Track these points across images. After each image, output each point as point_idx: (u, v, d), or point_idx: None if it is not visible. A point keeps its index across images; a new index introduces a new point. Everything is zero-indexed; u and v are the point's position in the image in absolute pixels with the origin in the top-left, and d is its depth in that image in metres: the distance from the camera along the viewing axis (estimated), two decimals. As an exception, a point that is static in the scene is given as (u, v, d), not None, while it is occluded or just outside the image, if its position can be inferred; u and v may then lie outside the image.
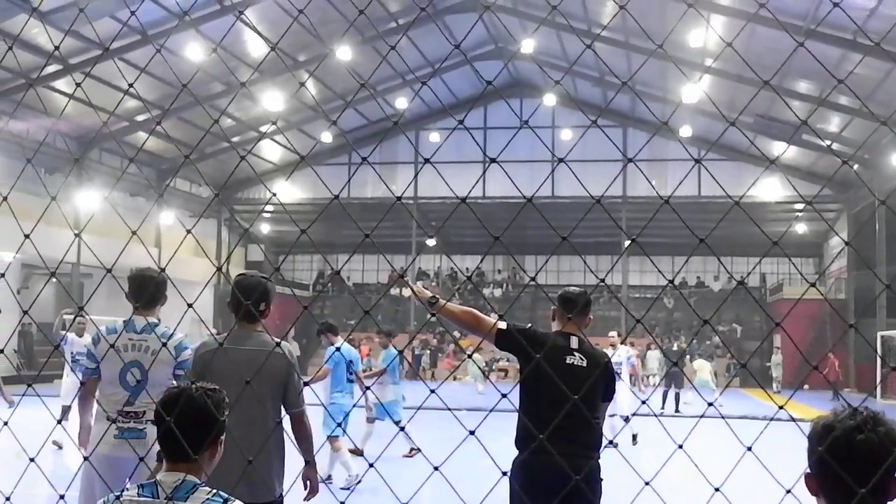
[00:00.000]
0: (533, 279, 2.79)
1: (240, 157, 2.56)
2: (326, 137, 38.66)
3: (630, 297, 41.41)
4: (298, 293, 45.24)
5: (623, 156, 38.71)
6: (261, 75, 31.08)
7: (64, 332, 13.63)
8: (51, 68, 27.28)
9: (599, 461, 4.71)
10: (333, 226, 41.65)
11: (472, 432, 2.50)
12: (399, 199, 2.92)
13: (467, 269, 49.19)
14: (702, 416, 3.23)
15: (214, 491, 2.62)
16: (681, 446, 2.40)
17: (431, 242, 45.30)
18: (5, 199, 2.84)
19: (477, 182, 21.97)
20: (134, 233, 2.85)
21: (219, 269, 32.49)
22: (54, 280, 35.36)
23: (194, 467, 2.64)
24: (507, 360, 36.10)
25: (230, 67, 28.81)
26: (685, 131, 34.51)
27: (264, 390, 4.41)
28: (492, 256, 47.76)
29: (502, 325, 4.82)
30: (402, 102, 37.33)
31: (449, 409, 3.15)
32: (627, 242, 38.13)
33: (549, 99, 36.27)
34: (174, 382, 5.01)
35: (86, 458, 4.55)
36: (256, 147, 38.77)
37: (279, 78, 31.39)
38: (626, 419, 14.52)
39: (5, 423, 2.30)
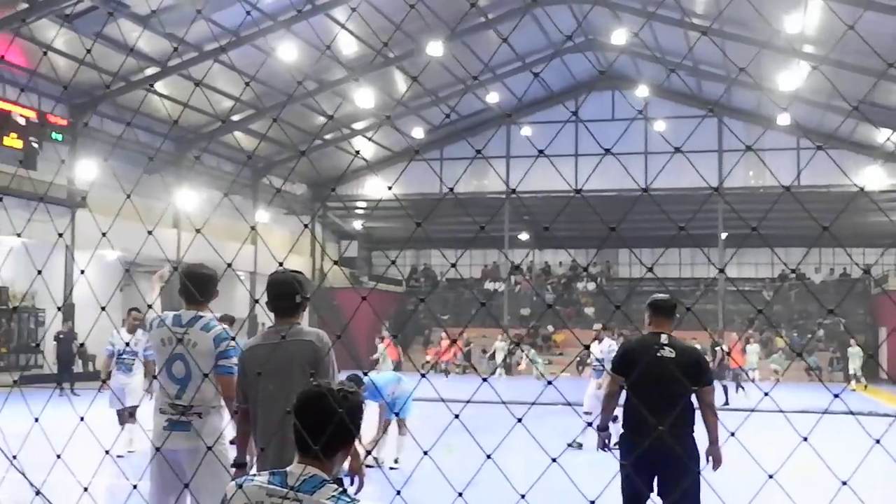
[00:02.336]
0: (588, 274, 2.70)
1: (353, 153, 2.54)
2: (418, 133, 38.81)
3: (727, 290, 40.59)
4: (391, 289, 45.54)
5: (717, 146, 38.06)
6: (352, 72, 31.36)
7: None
8: (149, 71, 27.94)
9: (693, 436, 5.71)
10: (426, 221, 41.77)
11: (519, 420, 2.45)
12: (514, 191, 2.86)
13: (560, 263, 48.91)
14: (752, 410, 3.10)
15: (342, 489, 2.66)
16: (732, 432, 2.29)
17: (524, 236, 45.15)
18: (128, 197, 2.86)
19: (593, 176, 21.81)
20: (199, 231, 2.83)
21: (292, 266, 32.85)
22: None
23: (324, 464, 2.68)
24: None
25: (322, 66, 29.15)
26: (783, 119, 33.68)
27: (296, 379, 4.45)
28: (585, 250, 47.37)
29: (613, 378, 6.11)
30: (492, 97, 37.23)
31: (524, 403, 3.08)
32: (724, 234, 37.40)
33: (642, 90, 35.79)
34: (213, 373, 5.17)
35: (157, 450, 4.68)
36: (349, 144, 39.13)
37: (370, 75, 31.61)
38: (615, 419, 13.04)
39: (81, 419, 2.31)
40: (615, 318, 41.30)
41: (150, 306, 3.29)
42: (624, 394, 5.97)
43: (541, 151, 2.56)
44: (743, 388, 22.67)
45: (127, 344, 12.03)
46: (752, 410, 2.86)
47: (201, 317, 5.33)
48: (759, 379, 29.03)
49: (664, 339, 5.98)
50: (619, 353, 6.27)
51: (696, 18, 29.65)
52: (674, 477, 5.59)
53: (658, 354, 5.86)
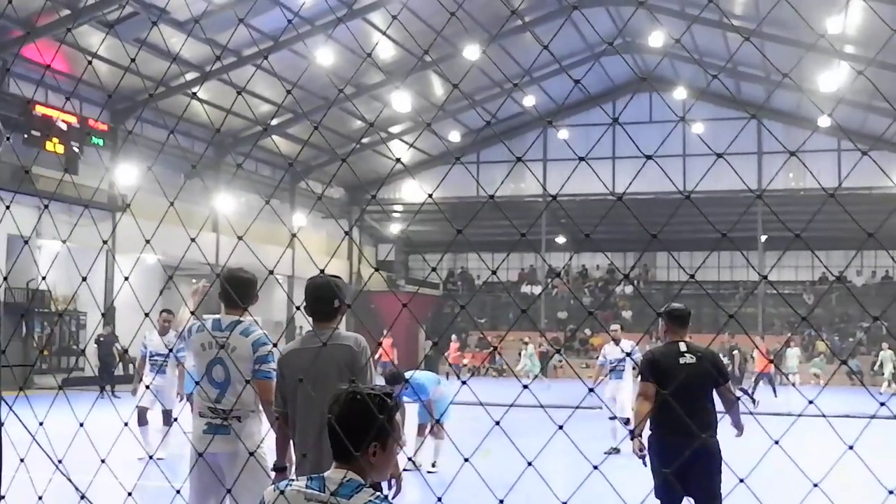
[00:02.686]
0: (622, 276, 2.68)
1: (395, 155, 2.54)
2: (455, 137, 38.81)
3: (767, 294, 40.19)
4: (428, 292, 45.57)
5: (757, 148, 37.73)
6: (389, 76, 31.44)
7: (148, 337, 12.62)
8: (189, 76, 28.18)
9: (716, 438, 6.18)
10: (461, 225, 41.79)
11: (560, 427, 2.43)
12: (554, 197, 2.84)
13: (597, 266, 48.70)
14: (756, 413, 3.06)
15: (378, 493, 2.66)
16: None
17: (560, 240, 45.00)
18: (171, 204, 2.88)
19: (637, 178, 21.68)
20: (240, 237, 2.84)
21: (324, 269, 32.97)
22: (193, 281, 36.57)
23: (359, 468, 2.68)
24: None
25: (359, 70, 29.22)
26: (824, 121, 33.31)
27: (334, 384, 4.46)
28: (622, 254, 47.15)
29: (646, 385, 6.46)
30: (529, 100, 37.16)
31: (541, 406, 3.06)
32: (764, 237, 37.04)
33: (680, 92, 35.56)
34: (251, 378, 5.20)
35: (200, 455, 4.71)
36: (385, 147, 39.22)
37: (408, 79, 31.68)
38: (627, 421, 12.62)
39: (125, 424, 2.32)
40: (654, 319, 41.05)
41: (192, 312, 3.31)
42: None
43: (581, 158, 2.55)
44: (752, 396, 22.06)
45: (170, 350, 11.92)
46: (799, 415, 2.82)
47: (240, 321, 5.35)
48: (800, 383, 28.70)
49: (683, 346, 6.51)
50: (645, 363, 6.59)
51: (734, 20, 29.42)
52: (705, 476, 6.10)
53: (681, 362, 6.38)
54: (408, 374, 11.55)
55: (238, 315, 5.39)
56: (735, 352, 23.70)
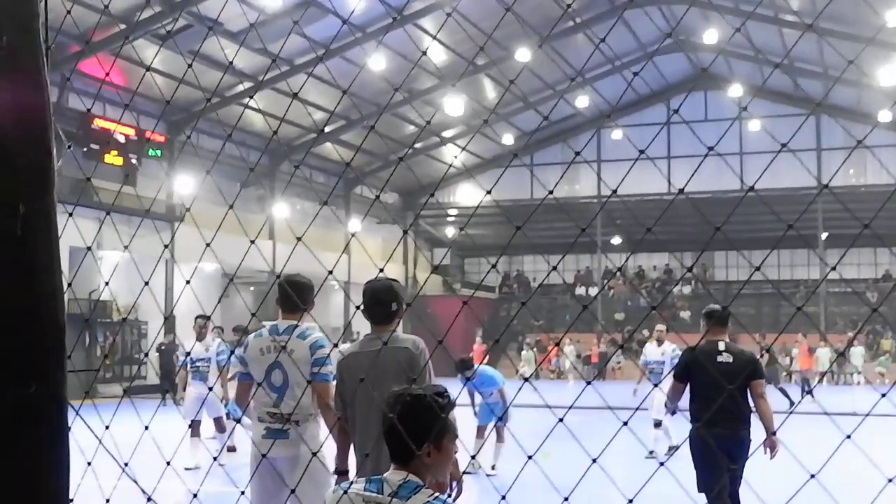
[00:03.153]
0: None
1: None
2: (508, 140, 38.75)
3: (829, 292, 39.54)
4: (484, 295, 45.53)
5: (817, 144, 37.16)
6: (441, 81, 31.49)
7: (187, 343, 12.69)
8: (242, 86, 28.48)
9: (750, 430, 6.69)
10: (519, 227, 41.68)
11: (625, 423, 2.40)
12: (614, 192, 2.80)
13: (654, 267, 48.29)
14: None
15: (436, 494, 2.67)
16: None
17: (616, 240, 44.70)
18: (231, 207, 2.90)
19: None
20: (299, 239, 2.84)
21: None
22: (252, 289, 36.93)
23: (417, 469, 2.69)
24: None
25: (411, 75, 29.31)
26: (884, 116, 32.71)
27: (391, 386, 4.44)
28: (679, 253, 46.69)
29: (676, 386, 7.00)
30: (582, 101, 36.98)
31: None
32: (825, 235, 36.44)
33: (735, 90, 35.15)
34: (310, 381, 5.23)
35: (263, 456, 4.74)
36: (439, 152, 39.27)
37: (459, 83, 31.70)
38: (658, 424, 12.82)
39: (190, 426, 2.32)
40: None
41: (253, 314, 3.33)
42: (688, 396, 6.94)
43: (641, 151, 2.50)
44: (809, 391, 21.65)
45: (217, 355, 12.02)
46: (866, 415, 2.75)
47: (297, 325, 5.39)
48: (865, 382, 28.18)
49: (722, 346, 6.96)
50: (681, 364, 7.14)
51: (789, 15, 29.01)
52: (742, 461, 6.53)
53: (719, 360, 6.86)
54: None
55: (296, 320, 5.43)
56: (766, 353, 23.38)
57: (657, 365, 13.38)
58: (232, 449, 12.63)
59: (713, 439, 6.59)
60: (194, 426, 11.75)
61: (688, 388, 6.99)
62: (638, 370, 27.74)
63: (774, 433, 6.54)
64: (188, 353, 12.62)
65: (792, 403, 21.25)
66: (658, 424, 12.85)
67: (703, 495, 6.65)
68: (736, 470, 6.63)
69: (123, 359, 28.58)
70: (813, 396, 5.04)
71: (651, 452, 12.59)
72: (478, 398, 11.80)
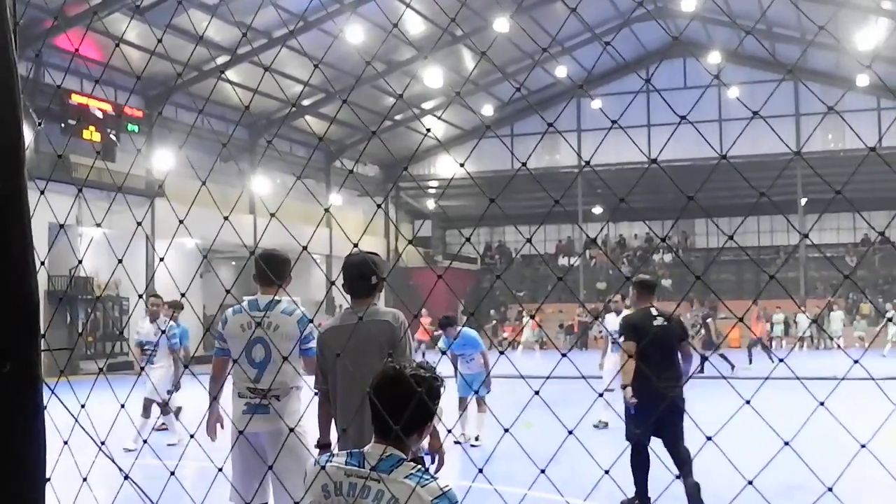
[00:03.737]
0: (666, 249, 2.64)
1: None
2: (487, 111, 38.66)
3: (809, 257, 39.77)
4: (466, 266, 45.59)
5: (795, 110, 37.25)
6: (420, 52, 31.34)
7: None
8: (220, 59, 28.26)
9: (683, 387, 7.33)
10: (498, 198, 41.68)
11: (600, 394, 2.41)
12: (587, 163, 2.81)
13: (635, 235, 48.44)
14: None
15: (419, 467, 2.69)
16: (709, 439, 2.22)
17: (597, 210, 44.79)
18: (203, 183, 2.89)
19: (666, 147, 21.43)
20: (273, 214, 2.83)
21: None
22: (234, 263, 36.83)
23: (400, 445, 2.70)
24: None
25: (390, 46, 29.15)
26: (862, 80, 32.79)
27: (374, 359, 4.47)
28: (660, 221, 46.86)
29: (630, 344, 7.67)
30: (561, 71, 36.89)
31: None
32: (804, 200, 36.60)
33: (714, 56, 35.14)
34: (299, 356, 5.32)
35: (241, 433, 4.74)
36: (419, 124, 39.16)
37: (438, 53, 31.58)
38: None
39: (165, 404, 2.33)
40: (696, 288, 40.82)
41: (228, 291, 3.33)
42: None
43: (614, 122, 2.51)
44: (729, 361, 21.98)
45: (163, 332, 11.30)
46: (842, 379, 2.78)
47: (279, 301, 5.39)
48: (845, 346, 28.41)
49: (654, 311, 7.74)
50: (625, 326, 7.94)
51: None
52: (673, 419, 7.36)
53: (654, 324, 7.59)
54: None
55: (273, 294, 5.43)
56: (709, 320, 24.07)
57: (617, 335, 13.10)
58: (163, 427, 12.00)
59: (654, 395, 7.23)
60: (147, 406, 11.38)
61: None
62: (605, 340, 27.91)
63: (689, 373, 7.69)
64: (138, 332, 11.97)
65: (733, 367, 21.61)
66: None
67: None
68: (676, 423, 7.42)
69: (105, 335, 28.51)
70: (751, 363, 5.14)
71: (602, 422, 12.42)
72: (461, 366, 11.77)
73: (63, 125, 24.60)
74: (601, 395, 2.46)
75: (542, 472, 2.33)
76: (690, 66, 38.18)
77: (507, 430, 2.38)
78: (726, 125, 37.64)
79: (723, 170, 33.83)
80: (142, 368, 10.30)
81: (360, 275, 4.83)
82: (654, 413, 7.03)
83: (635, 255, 46.71)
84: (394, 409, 2.65)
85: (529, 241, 2.14)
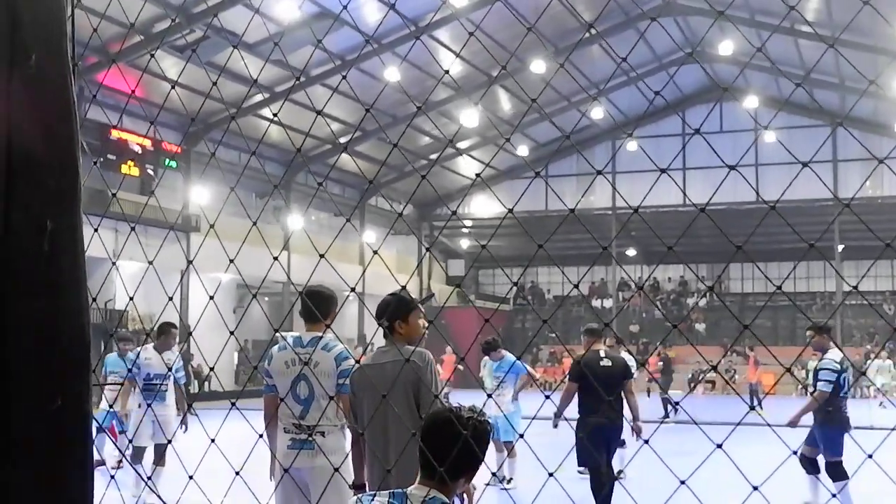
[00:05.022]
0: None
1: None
2: (523, 151, 38.77)
3: (846, 305, 39.35)
4: (499, 307, 45.49)
5: (833, 156, 37.04)
6: (456, 93, 31.54)
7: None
8: (258, 98, 28.59)
9: (623, 419, 8.80)
10: (535, 239, 41.64)
11: (646, 441, 2.38)
12: (635, 210, 2.81)
13: (668, 279, 48.17)
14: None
15: None
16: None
17: (631, 252, 44.62)
18: (255, 224, 2.92)
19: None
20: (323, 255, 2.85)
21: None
22: (266, 299, 37.01)
23: (446, 487, 2.68)
24: (713, 372, 34.93)
25: (426, 87, 29.34)
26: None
27: (399, 400, 4.48)
28: (695, 265, 46.60)
29: (571, 385, 8.94)
30: (597, 112, 36.97)
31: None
32: (841, 247, 36.28)
33: (751, 101, 35.08)
34: (335, 393, 5.28)
35: (286, 471, 4.76)
36: (454, 163, 39.33)
37: (475, 94, 31.78)
38: (623, 443, 11.34)
39: (212, 441, 2.35)
40: (728, 331, 40.42)
41: (276, 330, 3.33)
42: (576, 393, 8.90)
43: (662, 171, 2.51)
44: (674, 405, 22.07)
45: (169, 369, 10.07)
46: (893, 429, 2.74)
47: (321, 337, 5.41)
48: (883, 396, 27.90)
49: (602, 353, 9.14)
50: (574, 367, 9.21)
51: (807, 26, 28.96)
52: (616, 443, 9.11)
53: (602, 364, 8.99)
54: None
55: (319, 331, 5.45)
56: (664, 362, 24.95)
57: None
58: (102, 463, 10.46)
59: (598, 426, 8.56)
60: (138, 452, 9.90)
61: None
62: (647, 381, 27.74)
63: (639, 420, 9.09)
64: (135, 362, 10.29)
65: (666, 416, 21.51)
66: (622, 444, 11.51)
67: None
68: (613, 448, 9.10)
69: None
70: (762, 408, 5.23)
71: (619, 473, 11.72)
72: (508, 391, 11.56)
73: (102, 160, 24.95)
74: (646, 441, 2.43)
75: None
76: (727, 110, 38.10)
77: (551, 475, 2.37)
78: (763, 170, 37.48)
79: (759, 215, 33.65)
80: (149, 405, 9.57)
81: (391, 315, 4.86)
82: (600, 440, 8.54)
83: (669, 299, 46.41)
84: (443, 451, 2.64)
85: (576, 286, 2.14)
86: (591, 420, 8.60)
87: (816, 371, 9.47)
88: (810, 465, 9.35)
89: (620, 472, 11.84)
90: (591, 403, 8.64)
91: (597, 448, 8.44)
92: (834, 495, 8.26)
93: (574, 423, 8.63)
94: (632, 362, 12.68)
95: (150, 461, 9.75)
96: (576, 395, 8.93)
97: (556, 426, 8.92)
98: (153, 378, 10.10)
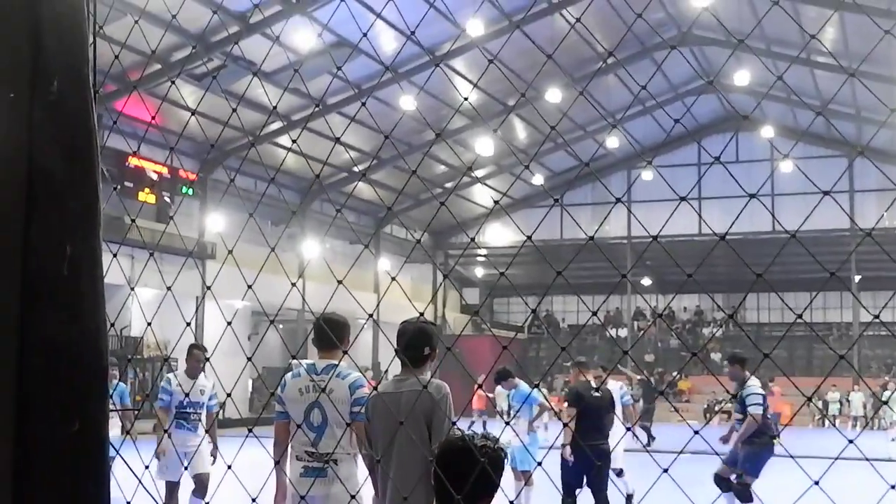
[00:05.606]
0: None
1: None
2: (538, 180, 38.83)
3: (863, 335, 39.09)
4: (513, 335, 45.39)
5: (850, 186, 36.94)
6: (471, 121, 31.65)
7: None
8: (274, 125, 28.75)
9: (609, 442, 9.81)
10: (547, 268, 41.69)
11: (665, 470, 2.37)
12: (655, 238, 2.80)
13: (684, 308, 47.99)
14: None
15: None
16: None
17: (646, 282, 44.51)
18: (272, 250, 2.93)
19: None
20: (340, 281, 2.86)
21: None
22: (281, 326, 37.05)
23: None
24: (729, 403, 34.69)
25: (441, 115, 29.48)
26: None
27: (414, 430, 4.45)
28: (711, 294, 46.45)
29: (570, 410, 9.83)
30: (613, 142, 37.01)
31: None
32: (858, 277, 36.11)
33: (767, 131, 35.07)
34: (349, 421, 5.27)
35: (302, 497, 4.75)
36: (469, 192, 39.39)
37: (493, 122, 31.89)
38: (620, 472, 12.16)
39: (229, 467, 2.35)
40: (751, 363, 40.17)
41: (294, 356, 3.34)
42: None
43: (682, 198, 2.50)
44: (650, 435, 22.77)
45: (187, 394, 9.14)
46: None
47: (335, 365, 5.40)
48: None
49: (592, 384, 10.16)
50: (572, 394, 10.06)
51: (822, 57, 28.99)
52: (600, 470, 9.56)
53: (592, 394, 9.84)
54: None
55: (332, 358, 5.45)
56: (659, 394, 24.47)
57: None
58: None
59: (588, 449, 9.44)
60: (172, 489, 9.03)
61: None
62: (670, 413, 27.61)
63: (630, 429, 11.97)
64: (168, 391, 9.36)
65: (647, 445, 21.89)
66: (620, 473, 12.13)
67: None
68: (602, 469, 9.64)
69: (154, 395, 28.67)
70: (776, 437, 5.41)
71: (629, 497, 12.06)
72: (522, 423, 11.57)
73: (119, 187, 25.10)
74: (665, 471, 2.41)
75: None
76: (742, 140, 38.08)
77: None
78: (778, 199, 37.40)
79: (775, 244, 33.56)
80: (162, 438, 8.66)
81: (413, 345, 4.83)
82: (584, 465, 9.45)
83: (684, 328, 46.23)
84: (458, 479, 2.63)
85: (595, 314, 2.13)
86: (578, 446, 9.50)
87: (744, 397, 10.04)
88: (724, 484, 10.00)
89: (630, 496, 11.98)
90: (582, 428, 9.51)
91: (584, 471, 9.50)
92: None
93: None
94: (618, 393, 13.07)
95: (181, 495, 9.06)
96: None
97: (569, 456, 9.54)
98: (186, 406, 9.20)
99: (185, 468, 8.74)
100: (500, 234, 42.11)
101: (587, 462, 9.39)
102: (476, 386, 3.49)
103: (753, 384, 10.36)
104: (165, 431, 9.29)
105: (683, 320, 47.42)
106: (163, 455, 8.77)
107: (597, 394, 9.83)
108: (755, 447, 9.87)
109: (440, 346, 4.72)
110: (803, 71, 30.69)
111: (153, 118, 4.01)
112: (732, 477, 9.97)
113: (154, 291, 19.79)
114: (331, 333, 5.37)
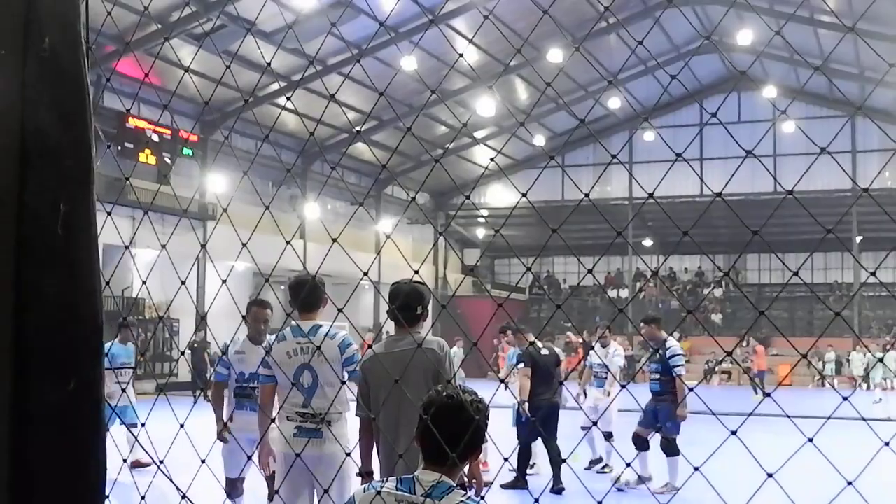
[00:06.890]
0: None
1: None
2: (539, 141, 38.70)
3: (862, 296, 39.14)
4: (514, 296, 45.46)
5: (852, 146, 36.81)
6: (473, 82, 31.49)
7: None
8: (274, 86, 28.61)
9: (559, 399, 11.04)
10: (548, 229, 41.60)
11: (658, 429, 2.38)
12: (650, 195, 2.80)
13: (685, 269, 48.01)
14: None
15: (469, 494, 2.69)
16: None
17: (647, 243, 44.49)
18: (267, 208, 2.92)
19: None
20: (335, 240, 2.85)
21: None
22: (283, 287, 37.08)
23: (451, 470, 2.70)
24: (731, 363, 34.89)
25: (442, 76, 29.32)
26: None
27: (418, 386, 4.46)
28: (711, 256, 46.46)
29: (526, 370, 10.78)
30: (614, 102, 36.83)
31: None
32: (859, 238, 36.06)
33: (769, 91, 34.88)
34: (346, 379, 5.32)
35: (297, 455, 4.77)
36: (470, 153, 39.27)
37: (490, 81, 31.73)
38: (609, 435, 11.51)
39: (225, 425, 2.35)
40: (745, 322, 40.28)
41: (289, 315, 3.33)
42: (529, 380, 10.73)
43: (678, 155, 2.50)
44: (766, 393, 22.45)
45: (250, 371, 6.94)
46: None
47: (320, 325, 5.43)
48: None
49: (540, 345, 11.04)
50: (526, 356, 10.82)
51: (825, 16, 28.75)
52: (552, 420, 10.66)
53: (542, 353, 10.90)
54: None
55: (314, 319, 5.47)
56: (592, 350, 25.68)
57: (600, 369, 12.22)
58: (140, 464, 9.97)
59: (538, 404, 10.46)
60: (234, 484, 7.03)
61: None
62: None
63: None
64: (223, 361, 7.22)
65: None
66: (609, 437, 11.59)
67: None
68: (552, 424, 10.59)
69: (155, 356, 28.81)
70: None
71: (605, 466, 11.85)
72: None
73: (120, 148, 25.02)
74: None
75: (599, 503, 2.31)
76: (745, 100, 37.89)
77: (564, 461, 2.36)
78: (780, 160, 37.28)
79: (776, 205, 33.48)
80: (226, 425, 6.58)
81: (407, 304, 4.85)
82: (538, 417, 10.47)
83: (685, 289, 46.27)
84: (452, 436, 2.64)
85: (591, 272, 2.13)
86: (536, 401, 10.51)
87: (667, 358, 10.39)
88: (643, 443, 10.36)
89: (606, 465, 11.93)
90: (535, 386, 10.59)
91: (542, 425, 10.46)
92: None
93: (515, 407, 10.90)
94: (612, 355, 12.99)
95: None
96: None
97: (522, 412, 10.64)
98: (248, 379, 6.90)
99: (249, 459, 5.95)
100: (502, 195, 42.04)
101: (544, 413, 10.53)
102: (473, 343, 3.49)
103: (673, 344, 11.06)
104: (223, 422, 6.85)
105: (685, 281, 47.45)
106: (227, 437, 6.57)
107: (545, 352, 10.97)
108: (674, 405, 10.11)
109: (436, 306, 4.73)
110: (807, 31, 30.47)
111: (146, 76, 3.97)
112: (649, 436, 10.34)
113: (155, 253, 19.72)
114: (304, 297, 5.40)
